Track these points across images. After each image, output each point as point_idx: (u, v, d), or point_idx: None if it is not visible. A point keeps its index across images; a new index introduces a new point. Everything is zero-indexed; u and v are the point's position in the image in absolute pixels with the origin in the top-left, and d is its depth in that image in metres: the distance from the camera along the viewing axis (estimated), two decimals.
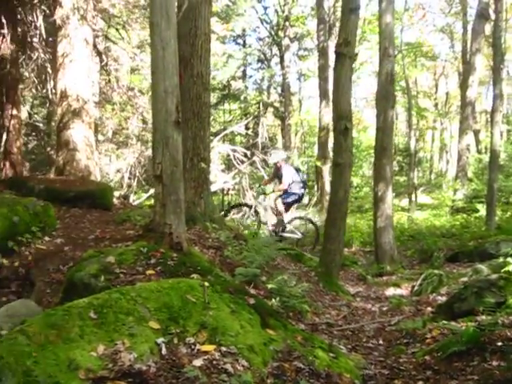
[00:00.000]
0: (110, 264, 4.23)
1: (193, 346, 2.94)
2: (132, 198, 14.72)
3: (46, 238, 5.75)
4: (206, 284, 3.54)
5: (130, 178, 15.36)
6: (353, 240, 13.23)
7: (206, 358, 2.84)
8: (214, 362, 2.82)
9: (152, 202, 13.03)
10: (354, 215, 18.47)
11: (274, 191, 10.71)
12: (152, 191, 13.41)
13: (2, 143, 11.00)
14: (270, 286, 5.26)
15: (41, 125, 17.23)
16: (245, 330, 3.35)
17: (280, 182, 10.54)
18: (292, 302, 4.98)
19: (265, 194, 10.91)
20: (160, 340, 2.87)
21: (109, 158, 16.56)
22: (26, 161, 13.64)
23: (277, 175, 10.70)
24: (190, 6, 6.37)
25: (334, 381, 3.30)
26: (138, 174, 14.71)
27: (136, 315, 2.94)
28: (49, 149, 17.40)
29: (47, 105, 15.76)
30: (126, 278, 4.06)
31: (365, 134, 33.07)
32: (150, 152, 16.10)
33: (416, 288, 7.47)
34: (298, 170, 10.97)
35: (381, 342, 5.12)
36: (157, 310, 3.06)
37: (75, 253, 5.34)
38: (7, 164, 11.07)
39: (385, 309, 6.63)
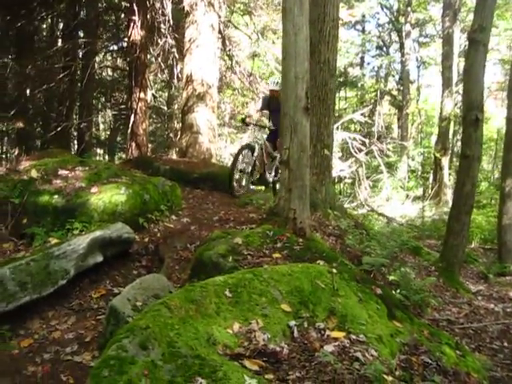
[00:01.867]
0: (238, 245, 4.34)
1: (323, 332, 2.95)
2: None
3: (173, 217, 6.00)
4: (334, 271, 3.54)
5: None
6: (473, 236, 12.65)
7: (336, 344, 2.83)
8: (345, 349, 2.81)
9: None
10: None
11: None
12: None
13: (130, 125, 11.61)
14: (391, 277, 5.16)
15: (165, 108, 17.93)
16: (372, 320, 3.32)
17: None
18: (417, 295, 4.85)
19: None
20: (292, 323, 2.90)
21: (224, 141, 16.91)
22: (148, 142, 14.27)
23: (269, 107, 8.22)
24: None
25: (462, 379, 3.18)
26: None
27: (269, 297, 2.99)
28: (168, 131, 18.10)
29: (172, 88, 16.31)
30: (253, 259, 4.14)
31: (486, 125, 31.42)
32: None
33: None
34: None
35: (506, 344, 4.89)
36: (288, 293, 3.09)
37: (201, 232, 5.53)
38: (133, 144, 11.69)
39: (509, 310, 6.30)
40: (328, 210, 6.39)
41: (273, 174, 7.99)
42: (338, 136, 14.01)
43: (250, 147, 7.74)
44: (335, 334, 2.95)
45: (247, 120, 8.19)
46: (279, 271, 3.26)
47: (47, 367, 3.58)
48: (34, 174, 6.27)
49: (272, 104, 7.89)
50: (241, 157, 7.67)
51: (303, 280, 3.25)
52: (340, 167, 14.18)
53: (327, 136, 6.67)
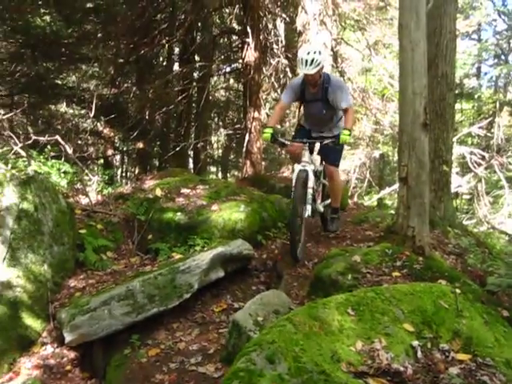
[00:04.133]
0: (356, 263, 4.34)
1: (447, 353, 2.88)
2: (356, 198, 14.82)
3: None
4: (458, 291, 3.45)
5: (357, 179, 15.52)
6: None
7: (461, 366, 2.77)
8: (472, 372, 2.73)
9: (375, 203, 13.05)
10: None
11: (349, 132, 5.44)
12: (382, 192, 13.41)
13: (245, 143, 11.93)
14: None
15: (277, 126, 18.26)
16: (499, 343, 3.19)
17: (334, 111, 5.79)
18: None
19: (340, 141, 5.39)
20: (416, 343, 2.87)
21: None
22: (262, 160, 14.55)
23: (303, 97, 5.85)
24: (435, 5, 6.20)
25: None
26: (368, 176, 14.80)
27: (391, 316, 2.97)
28: (279, 149, 18.33)
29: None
30: (372, 277, 4.12)
31: None
32: (377, 154, 16.09)
33: None
34: None
35: None
36: (410, 313, 3.06)
37: (318, 249, 5.57)
38: (248, 163, 12.00)
39: None
40: (447, 228, 6.21)
41: (319, 200, 6.06)
42: (456, 150, 13.51)
43: (305, 175, 5.42)
44: (460, 356, 2.88)
45: (280, 138, 5.85)
46: (401, 290, 3.23)
47: (173, 376, 3.76)
48: (158, 192, 6.65)
49: (308, 93, 5.77)
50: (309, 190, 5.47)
51: (426, 300, 3.20)
52: (457, 183, 13.68)
53: (446, 152, 6.48)
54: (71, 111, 17.23)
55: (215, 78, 16.89)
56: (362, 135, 14.83)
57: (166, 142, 16.38)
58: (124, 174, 20.14)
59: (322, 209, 6.03)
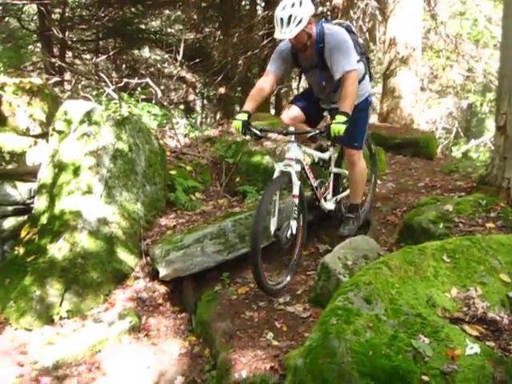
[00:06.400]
0: (448, 212, 4.27)
1: None
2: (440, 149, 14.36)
3: (378, 181, 5.99)
4: None
5: (443, 129, 15.00)
6: None
7: None
8: None
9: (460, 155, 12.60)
10: None
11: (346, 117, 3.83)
12: (470, 144, 12.95)
13: None
14: None
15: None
16: None
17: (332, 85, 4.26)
18: None
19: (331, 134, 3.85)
20: None
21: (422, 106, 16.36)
22: None
23: (300, 63, 4.38)
24: None
25: None
26: (456, 125, 14.27)
27: (487, 265, 2.92)
28: None
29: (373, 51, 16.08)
30: (464, 227, 4.05)
31: None
32: (465, 104, 15.41)
33: None
34: (348, 28, 4.24)
35: None
36: (507, 264, 2.99)
37: (407, 198, 5.49)
38: None
39: None
40: None
41: (330, 194, 4.86)
42: None
43: (280, 183, 4.14)
44: None
45: (253, 128, 4.49)
46: (498, 240, 3.16)
47: (263, 314, 3.90)
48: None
49: (302, 58, 4.26)
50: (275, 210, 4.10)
51: None
52: None
53: None
54: (154, 56, 17.47)
55: None
56: (451, 83, 14.22)
57: (248, 88, 16.33)
58: (204, 120, 20.37)
59: (331, 206, 4.81)
